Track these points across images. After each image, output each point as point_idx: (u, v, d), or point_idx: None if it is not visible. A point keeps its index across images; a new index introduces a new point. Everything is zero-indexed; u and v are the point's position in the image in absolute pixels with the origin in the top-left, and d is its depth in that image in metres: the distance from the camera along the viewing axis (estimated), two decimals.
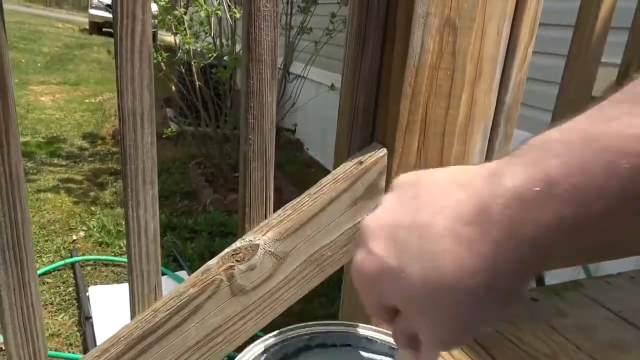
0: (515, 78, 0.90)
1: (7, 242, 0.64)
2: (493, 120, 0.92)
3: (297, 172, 4.52)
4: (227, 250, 0.76)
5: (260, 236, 0.75)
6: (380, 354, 0.51)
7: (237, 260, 0.74)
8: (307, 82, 4.56)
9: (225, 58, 3.56)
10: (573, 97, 1.08)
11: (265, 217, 0.79)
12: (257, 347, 0.49)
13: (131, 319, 0.74)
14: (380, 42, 0.78)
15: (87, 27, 12.33)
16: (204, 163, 4.06)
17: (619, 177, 0.25)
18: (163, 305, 0.73)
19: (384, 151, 0.79)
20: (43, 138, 4.59)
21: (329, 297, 2.62)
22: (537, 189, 0.28)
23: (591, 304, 1.17)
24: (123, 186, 0.69)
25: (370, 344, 0.51)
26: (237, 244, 0.76)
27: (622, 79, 1.25)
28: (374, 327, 0.55)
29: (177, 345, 0.74)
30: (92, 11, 12.04)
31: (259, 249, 0.75)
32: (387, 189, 0.81)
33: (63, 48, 9.60)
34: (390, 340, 0.52)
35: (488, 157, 0.95)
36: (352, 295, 0.95)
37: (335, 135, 0.87)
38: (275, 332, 0.50)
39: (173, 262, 2.88)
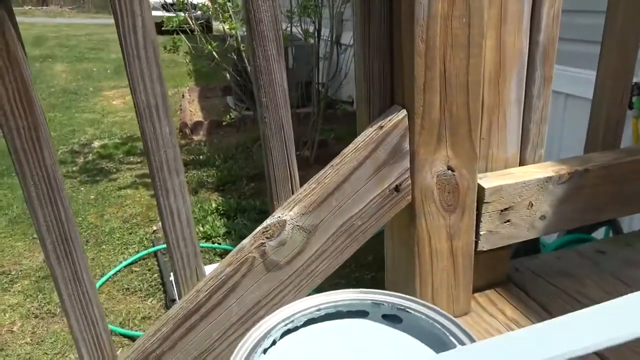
0: (547, 14, 0.83)
1: (56, 239, 0.70)
2: (527, 63, 0.86)
3: None
4: (258, 228, 0.78)
5: (287, 212, 0.77)
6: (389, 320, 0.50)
7: (267, 237, 0.76)
8: None
9: None
10: (621, 25, 0.97)
11: (292, 193, 0.79)
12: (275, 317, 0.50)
13: (178, 300, 0.79)
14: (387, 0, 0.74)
15: None
16: None
17: None
18: (204, 285, 0.77)
19: (403, 112, 0.76)
20: (119, 139, 4.93)
21: None
22: None
23: None
24: (151, 177, 0.73)
25: (378, 309, 0.50)
26: (267, 221, 0.78)
27: None
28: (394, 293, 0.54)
29: (222, 322, 0.77)
30: None
31: (287, 224, 0.76)
32: (412, 150, 0.78)
33: None
34: (398, 301, 0.51)
35: (527, 105, 0.88)
36: (394, 260, 0.94)
37: None
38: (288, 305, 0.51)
39: None
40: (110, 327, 2.34)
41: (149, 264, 2.96)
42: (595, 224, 1.54)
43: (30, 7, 21.15)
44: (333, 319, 0.53)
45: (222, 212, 3.38)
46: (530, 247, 1.35)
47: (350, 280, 2.63)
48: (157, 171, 0.72)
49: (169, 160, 0.72)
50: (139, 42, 0.65)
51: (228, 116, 3.90)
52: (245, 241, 0.78)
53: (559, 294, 0.96)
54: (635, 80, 2.06)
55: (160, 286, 2.75)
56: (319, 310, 0.52)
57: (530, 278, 1.00)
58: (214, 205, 3.46)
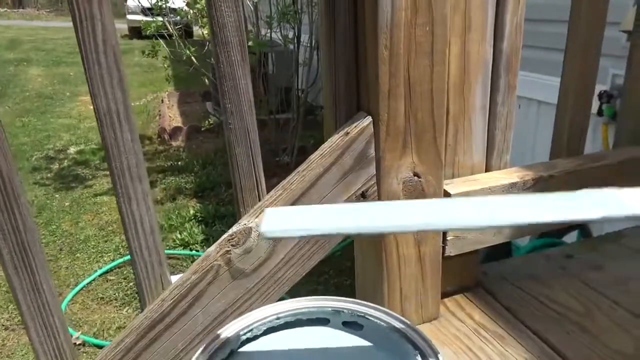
0: (511, 23, 0.84)
1: (14, 248, 0.68)
2: (492, 71, 0.87)
3: None
4: (224, 236, 0.77)
5: (253, 219, 0.76)
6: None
7: (232, 245, 0.75)
8: None
9: (250, 43, 3.57)
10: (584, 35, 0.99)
11: (259, 200, 0.79)
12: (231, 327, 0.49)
13: (141, 311, 0.78)
14: (352, 6, 0.75)
15: (127, 32, 12.74)
16: None
17: None
18: (169, 293, 0.76)
19: (368, 119, 0.76)
20: (95, 145, 4.85)
21: None
22: None
23: (632, 255, 1.09)
24: (112, 183, 0.72)
25: (338, 316, 0.50)
26: (233, 228, 0.77)
27: None
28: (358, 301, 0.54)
29: (187, 331, 0.76)
30: (129, 17, 12.35)
31: (253, 232, 0.75)
32: (377, 156, 0.78)
33: None
34: (357, 308, 0.51)
35: (492, 113, 0.90)
36: (363, 267, 0.94)
37: None
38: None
39: None
40: (84, 337, 2.29)
41: (125, 272, 2.90)
42: (565, 229, 1.57)
43: (5, 9, 20.74)
44: (293, 327, 0.52)
45: (200, 218, 3.35)
46: (504, 251, 1.37)
47: (329, 287, 2.62)
48: (119, 178, 0.71)
49: (130, 167, 0.71)
50: (99, 47, 0.64)
51: (207, 122, 3.87)
52: (210, 249, 0.77)
53: (527, 298, 0.97)
54: (604, 88, 2.12)
55: (136, 295, 2.70)
56: (278, 318, 0.51)
57: (499, 282, 1.01)
58: (192, 211, 3.42)
